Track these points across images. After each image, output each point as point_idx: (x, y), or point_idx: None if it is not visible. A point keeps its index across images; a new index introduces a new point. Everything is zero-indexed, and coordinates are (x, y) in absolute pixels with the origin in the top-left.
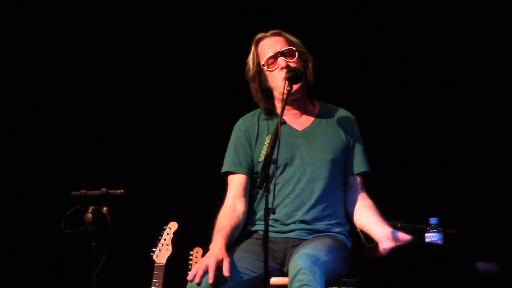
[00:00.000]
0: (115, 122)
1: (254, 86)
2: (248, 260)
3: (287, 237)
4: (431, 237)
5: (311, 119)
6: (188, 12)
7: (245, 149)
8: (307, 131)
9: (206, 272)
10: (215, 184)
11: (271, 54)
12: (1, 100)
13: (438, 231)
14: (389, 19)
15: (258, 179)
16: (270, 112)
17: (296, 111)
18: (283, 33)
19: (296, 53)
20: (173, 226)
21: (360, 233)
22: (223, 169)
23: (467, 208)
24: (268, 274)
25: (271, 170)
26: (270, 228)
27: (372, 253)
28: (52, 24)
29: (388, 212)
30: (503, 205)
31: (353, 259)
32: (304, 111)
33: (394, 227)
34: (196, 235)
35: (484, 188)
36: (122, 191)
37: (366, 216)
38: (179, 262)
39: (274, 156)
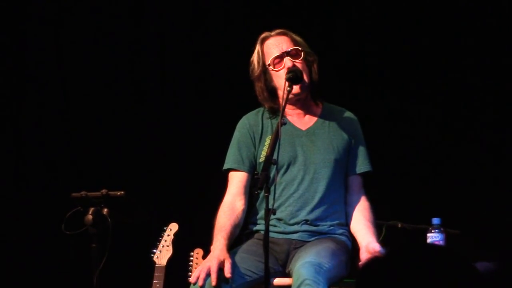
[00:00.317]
0: (115, 123)
1: (259, 85)
2: (250, 262)
3: (290, 239)
4: (433, 237)
5: (314, 119)
6: (190, 9)
7: (249, 147)
8: (310, 130)
9: (208, 275)
10: (216, 185)
11: (277, 54)
12: (0, 101)
13: (440, 231)
14: (389, 19)
15: (258, 180)
16: (274, 111)
17: (299, 111)
18: (289, 32)
19: (302, 53)
20: (173, 227)
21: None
22: (225, 166)
23: (468, 209)
24: (268, 274)
25: (271, 171)
26: (273, 228)
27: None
28: (54, 23)
29: (390, 212)
30: (504, 205)
31: (353, 260)
32: (307, 111)
33: (395, 227)
34: (196, 236)
35: (486, 188)
36: (122, 192)
37: (357, 222)
38: (179, 263)
39: (275, 157)
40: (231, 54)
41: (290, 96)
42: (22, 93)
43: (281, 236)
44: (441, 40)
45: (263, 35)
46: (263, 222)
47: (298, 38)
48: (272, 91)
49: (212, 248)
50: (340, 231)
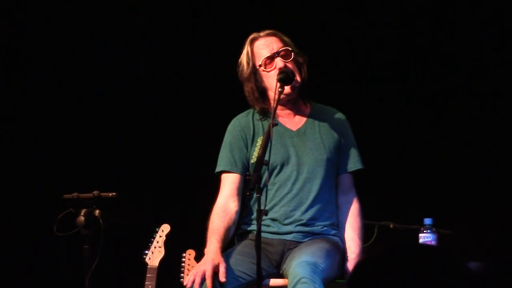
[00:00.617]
0: (107, 125)
1: (249, 86)
2: (245, 264)
3: (284, 239)
4: (425, 237)
5: (304, 119)
6: (181, 11)
7: (241, 148)
8: (301, 131)
9: (204, 279)
10: (208, 187)
11: (268, 55)
12: None
13: (432, 232)
14: (378, 18)
15: (250, 181)
16: (265, 112)
17: (289, 111)
18: (278, 33)
19: (292, 53)
20: (165, 228)
21: None
22: (218, 169)
23: (460, 209)
24: (260, 275)
25: (263, 172)
26: (267, 229)
27: (365, 254)
28: (44, 24)
29: (382, 212)
30: (496, 206)
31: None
32: (297, 111)
33: (387, 228)
34: (188, 237)
35: (478, 189)
36: (114, 194)
37: (347, 228)
38: (171, 265)
39: (266, 158)
40: (223, 56)
41: (282, 96)
42: (14, 94)
43: (275, 236)
44: (431, 38)
45: (252, 36)
46: (256, 222)
47: (287, 39)
48: (262, 92)
49: (206, 251)
50: (333, 231)
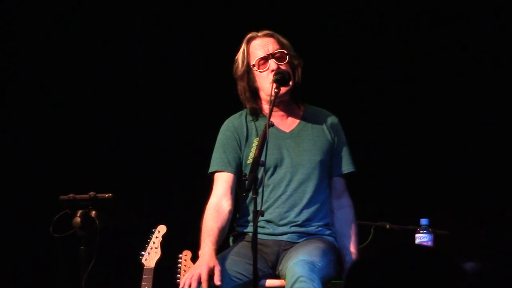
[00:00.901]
0: (103, 126)
1: (242, 85)
2: (241, 265)
3: (279, 240)
4: (421, 238)
5: (297, 121)
6: (175, 12)
7: (235, 149)
8: (294, 132)
9: (199, 283)
10: (204, 187)
11: (262, 55)
12: None
13: (428, 232)
14: (372, 20)
15: (246, 182)
16: (256, 112)
17: (282, 113)
18: (276, 34)
19: (287, 56)
20: (161, 229)
21: None
22: (211, 169)
23: (457, 209)
24: (256, 275)
25: (259, 173)
26: (262, 230)
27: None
28: (39, 24)
29: (378, 213)
30: (492, 207)
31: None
32: (290, 113)
33: (383, 228)
34: (184, 238)
35: (474, 189)
36: (110, 194)
37: (341, 236)
38: (168, 265)
39: (262, 159)
40: (219, 57)
41: (270, 96)
42: (9, 95)
43: (270, 238)
44: (423, 40)
45: (249, 35)
46: (251, 224)
47: (284, 41)
48: (254, 91)
49: (200, 253)
50: (328, 232)
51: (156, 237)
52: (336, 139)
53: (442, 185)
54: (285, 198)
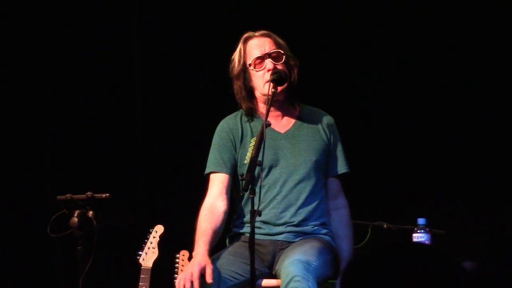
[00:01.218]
0: (100, 126)
1: (238, 84)
2: (237, 264)
3: (275, 240)
4: (418, 237)
5: (292, 121)
6: (173, 12)
7: (230, 149)
8: (289, 133)
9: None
10: (201, 187)
11: (259, 55)
12: None
13: (425, 232)
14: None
15: (243, 182)
16: (251, 112)
17: (277, 113)
18: (272, 34)
19: (284, 56)
20: (159, 229)
21: None
22: (207, 170)
23: (454, 209)
24: (254, 276)
25: (256, 172)
26: (258, 230)
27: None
28: (35, 25)
29: (375, 212)
30: (489, 206)
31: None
32: (285, 113)
33: (380, 228)
34: (182, 238)
35: (471, 189)
36: (107, 195)
37: (337, 237)
38: (165, 265)
39: (260, 158)
40: (217, 57)
41: (267, 96)
42: (7, 95)
43: (266, 237)
44: (419, 40)
45: (246, 35)
46: (247, 225)
47: (281, 41)
48: (250, 91)
49: (193, 254)
50: (324, 231)
51: (154, 237)
52: (331, 139)
53: (439, 184)
54: (280, 198)
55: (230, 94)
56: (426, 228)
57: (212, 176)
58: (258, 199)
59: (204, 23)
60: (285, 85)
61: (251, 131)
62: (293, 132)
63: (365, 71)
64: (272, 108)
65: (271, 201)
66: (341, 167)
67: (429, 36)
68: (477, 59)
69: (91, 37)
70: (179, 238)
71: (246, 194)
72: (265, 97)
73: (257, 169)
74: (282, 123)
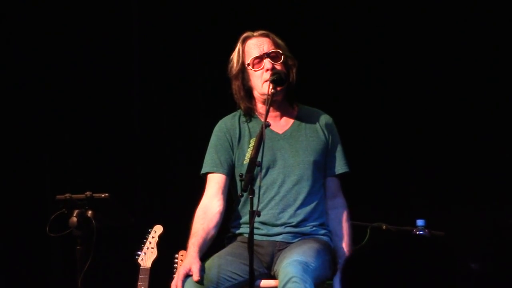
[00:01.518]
0: (99, 126)
1: (236, 84)
2: (236, 265)
3: (274, 241)
4: None
5: (291, 121)
6: (172, 11)
7: (227, 150)
8: (288, 133)
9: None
10: (200, 187)
11: (257, 55)
12: None
13: (424, 233)
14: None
15: (243, 182)
16: (250, 112)
17: (276, 114)
18: (271, 34)
19: (282, 56)
20: (158, 229)
21: None
22: (204, 170)
23: (453, 210)
24: (253, 276)
25: (255, 173)
26: (256, 231)
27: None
28: (35, 25)
29: (374, 214)
30: (488, 207)
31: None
32: (283, 113)
33: (379, 229)
34: (181, 238)
35: (470, 191)
36: (106, 194)
37: (335, 236)
38: (164, 266)
39: (259, 159)
40: (216, 57)
41: (265, 97)
42: (6, 94)
43: (265, 238)
44: (419, 40)
45: (245, 35)
46: (246, 225)
47: (279, 41)
48: (248, 90)
49: (186, 255)
50: (323, 231)
51: (153, 237)
52: (330, 139)
53: (438, 186)
54: (279, 199)
55: (229, 94)
56: (425, 229)
57: (208, 176)
58: (257, 199)
59: (203, 23)
60: (284, 85)
61: (249, 132)
62: (291, 132)
63: (365, 71)
64: (270, 109)
65: (269, 201)
66: (340, 167)
67: (429, 36)
68: (477, 59)
69: (91, 37)
70: (178, 238)
71: (245, 194)
72: (264, 97)
73: (256, 169)
74: (280, 124)
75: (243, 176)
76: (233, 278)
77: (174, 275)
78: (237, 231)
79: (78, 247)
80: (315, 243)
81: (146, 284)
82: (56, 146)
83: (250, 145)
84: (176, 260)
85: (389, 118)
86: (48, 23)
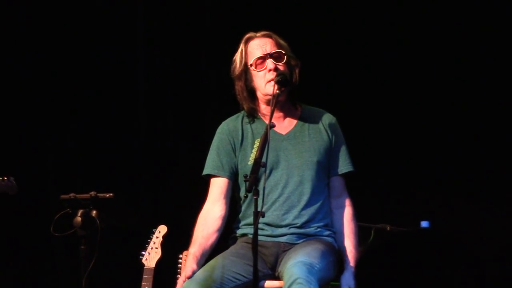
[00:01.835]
0: (104, 126)
1: (239, 85)
2: (240, 265)
3: (278, 242)
4: None
5: (294, 122)
6: (177, 12)
7: (229, 152)
8: (291, 134)
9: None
10: (204, 188)
11: (260, 55)
12: None
13: None
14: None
15: (247, 183)
16: (253, 112)
17: (279, 114)
18: (274, 35)
19: (285, 56)
20: (162, 229)
21: None
22: (205, 172)
23: (457, 212)
24: (257, 277)
25: (260, 174)
26: (261, 232)
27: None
28: (40, 24)
29: (378, 215)
30: (493, 208)
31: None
32: (287, 114)
33: (383, 230)
34: (185, 238)
35: (475, 192)
36: (111, 194)
37: (341, 235)
38: (168, 266)
39: (263, 160)
40: (220, 60)
41: (268, 97)
42: (11, 95)
43: (269, 239)
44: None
45: (248, 35)
46: (250, 226)
47: (282, 42)
48: (251, 91)
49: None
50: (327, 232)
51: (157, 237)
52: (333, 138)
53: (442, 187)
54: (283, 200)
55: (232, 95)
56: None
57: (211, 180)
58: (261, 200)
59: (206, 23)
60: (288, 86)
61: (252, 133)
62: (294, 133)
63: (370, 70)
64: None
65: (273, 202)
66: (344, 166)
67: (430, 36)
68: (477, 59)
69: (96, 37)
70: (182, 239)
71: (250, 195)
72: (267, 97)
73: (261, 170)
74: (283, 125)
75: (248, 177)
76: (237, 279)
77: (178, 275)
78: (242, 232)
79: (82, 247)
80: (320, 244)
81: (150, 284)
82: (61, 145)
83: (255, 146)
84: (180, 260)
85: (394, 119)
86: (54, 24)
